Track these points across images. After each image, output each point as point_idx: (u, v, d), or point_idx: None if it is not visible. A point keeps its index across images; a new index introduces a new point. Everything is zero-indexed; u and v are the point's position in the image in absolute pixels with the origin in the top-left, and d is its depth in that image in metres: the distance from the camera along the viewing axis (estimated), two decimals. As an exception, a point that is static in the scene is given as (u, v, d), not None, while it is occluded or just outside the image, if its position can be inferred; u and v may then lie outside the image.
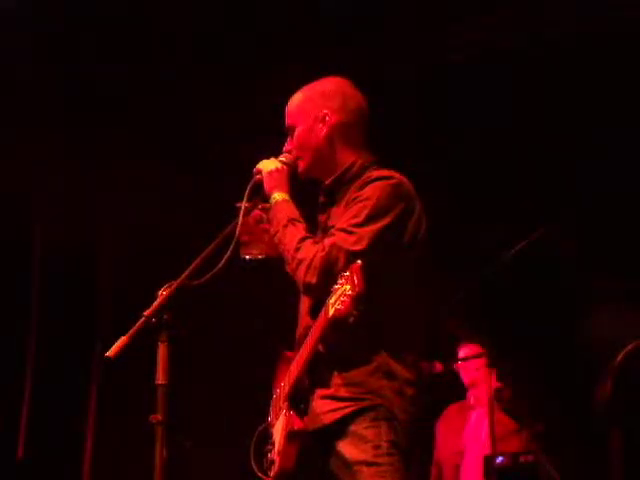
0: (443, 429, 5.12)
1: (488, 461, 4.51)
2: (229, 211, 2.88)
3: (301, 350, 2.72)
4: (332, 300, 2.45)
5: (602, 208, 4.94)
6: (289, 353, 2.91)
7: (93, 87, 5.55)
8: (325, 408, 2.68)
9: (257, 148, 3.12)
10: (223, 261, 2.72)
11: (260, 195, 2.90)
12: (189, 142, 5.77)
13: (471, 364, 5.01)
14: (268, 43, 5.35)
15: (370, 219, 2.63)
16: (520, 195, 5.24)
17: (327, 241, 2.63)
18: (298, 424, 2.70)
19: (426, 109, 5.35)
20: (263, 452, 2.88)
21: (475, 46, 5.28)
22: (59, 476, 5.82)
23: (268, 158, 2.95)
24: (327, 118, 2.85)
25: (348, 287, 2.39)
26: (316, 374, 2.72)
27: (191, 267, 2.70)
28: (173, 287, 2.63)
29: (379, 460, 2.59)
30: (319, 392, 2.72)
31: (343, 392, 2.66)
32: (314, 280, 2.60)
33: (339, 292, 2.42)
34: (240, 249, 2.93)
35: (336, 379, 2.68)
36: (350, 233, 2.61)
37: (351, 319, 2.41)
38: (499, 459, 4.48)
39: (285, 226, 2.74)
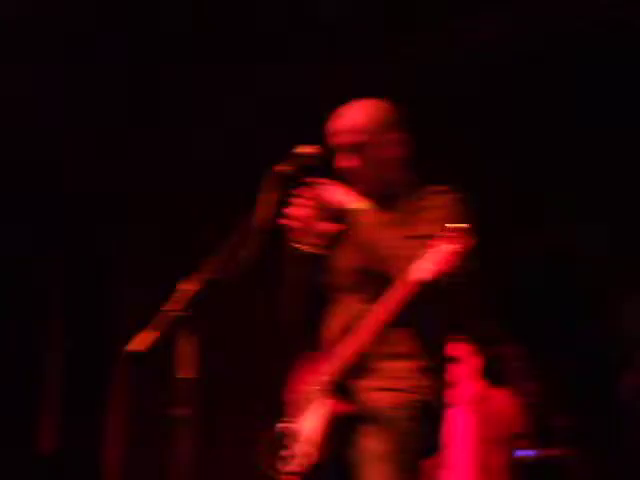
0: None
1: (515, 455, 4.53)
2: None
3: (355, 335, 2.70)
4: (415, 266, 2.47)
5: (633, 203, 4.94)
6: (315, 353, 2.90)
7: (95, 87, 5.55)
8: (373, 397, 2.71)
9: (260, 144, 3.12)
10: (247, 256, 2.71)
11: (288, 184, 2.87)
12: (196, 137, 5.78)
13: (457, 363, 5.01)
14: (268, 43, 5.36)
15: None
16: (521, 195, 5.26)
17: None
18: (341, 408, 2.71)
19: (426, 109, 5.36)
20: (280, 452, 2.84)
21: (474, 46, 5.31)
22: (79, 472, 5.85)
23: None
24: (401, 143, 2.92)
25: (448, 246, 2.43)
26: (364, 365, 2.74)
27: (214, 261, 2.68)
28: (200, 281, 2.62)
29: (403, 456, 2.65)
30: (367, 383, 2.74)
31: (393, 384, 2.71)
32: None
33: (426, 256, 2.43)
34: (291, 234, 2.90)
35: (386, 371, 2.73)
36: None
37: (446, 280, 2.43)
38: (526, 453, 4.50)
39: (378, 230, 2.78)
